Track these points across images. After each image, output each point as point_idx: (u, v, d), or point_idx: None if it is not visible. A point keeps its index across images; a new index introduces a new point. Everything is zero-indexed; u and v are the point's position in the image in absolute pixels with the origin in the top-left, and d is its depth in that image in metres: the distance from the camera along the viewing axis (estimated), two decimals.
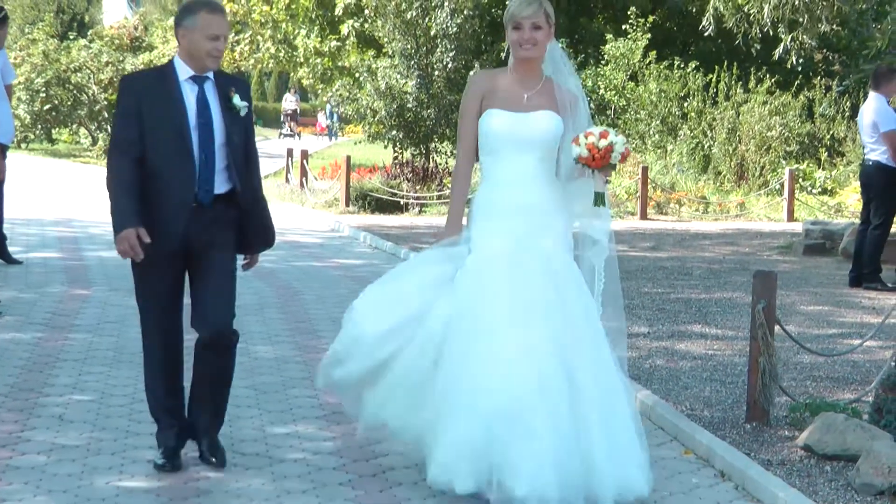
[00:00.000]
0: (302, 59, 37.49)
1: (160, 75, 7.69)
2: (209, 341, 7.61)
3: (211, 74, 7.61)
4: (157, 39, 55.43)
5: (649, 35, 34.26)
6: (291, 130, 59.31)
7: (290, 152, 34.19)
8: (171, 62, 7.64)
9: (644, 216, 26.94)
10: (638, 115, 34.07)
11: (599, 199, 7.48)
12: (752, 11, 23.51)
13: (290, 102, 62.27)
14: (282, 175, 34.61)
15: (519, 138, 7.55)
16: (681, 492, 7.63)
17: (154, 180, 7.46)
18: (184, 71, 7.54)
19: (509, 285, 7.34)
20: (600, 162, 7.26)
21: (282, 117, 62.34)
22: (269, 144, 54.34)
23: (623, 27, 32.17)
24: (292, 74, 46.33)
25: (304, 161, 31.51)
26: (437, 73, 28.81)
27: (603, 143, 7.23)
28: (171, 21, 67.21)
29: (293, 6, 36.62)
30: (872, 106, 15.56)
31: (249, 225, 7.79)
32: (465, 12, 28.50)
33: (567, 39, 32.11)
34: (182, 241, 7.52)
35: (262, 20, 39.76)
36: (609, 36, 32.84)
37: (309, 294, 15.06)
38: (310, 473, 7.76)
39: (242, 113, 7.62)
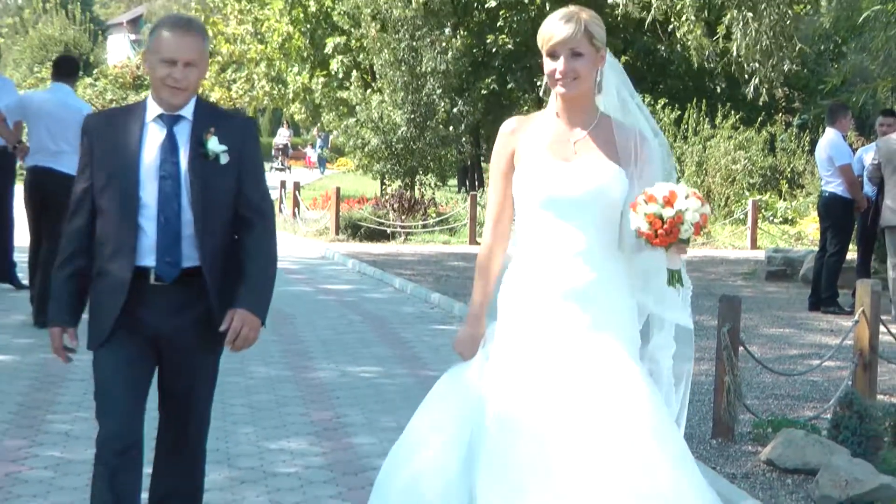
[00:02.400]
0: (293, 96, 37.53)
1: (126, 114, 5.71)
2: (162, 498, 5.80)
3: (189, 112, 5.52)
4: None
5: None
6: (283, 164, 59.30)
7: (283, 184, 34.39)
8: (145, 98, 5.64)
9: None
10: None
11: (675, 277, 5.12)
12: (726, 47, 23.64)
13: (282, 137, 62.23)
14: (276, 205, 34.66)
15: (563, 198, 5.17)
16: None
17: (100, 247, 5.53)
18: (152, 109, 5.52)
19: (542, 403, 5.06)
20: (665, 240, 4.88)
21: (273, 151, 62.38)
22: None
23: None
24: (285, 110, 46.36)
25: (297, 192, 31.59)
26: (425, 108, 28.89)
27: (668, 212, 4.87)
28: None
29: (286, 45, 36.69)
30: (828, 140, 15.72)
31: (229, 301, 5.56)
32: (453, 52, 28.65)
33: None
34: (144, 327, 5.52)
35: (258, 58, 39.80)
36: None
37: (301, 318, 15.05)
38: (301, 486, 7.76)
39: (223, 160, 5.45)
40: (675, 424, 5.23)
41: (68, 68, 14.25)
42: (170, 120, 5.50)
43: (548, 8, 32.40)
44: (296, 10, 35.73)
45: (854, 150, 16.99)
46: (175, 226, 5.44)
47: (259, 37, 39.65)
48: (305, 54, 36.03)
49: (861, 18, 18.51)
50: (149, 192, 5.43)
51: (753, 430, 9.02)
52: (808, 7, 28.73)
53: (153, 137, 5.48)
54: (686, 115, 33.75)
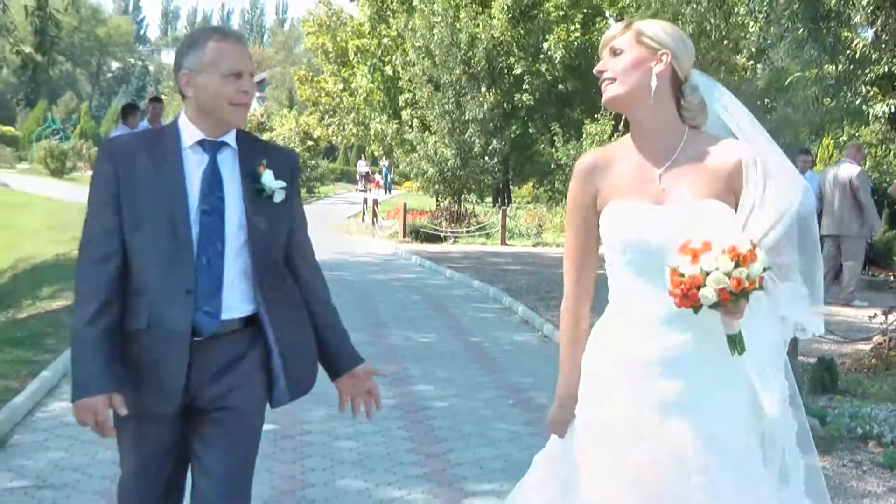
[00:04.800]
0: (373, 137, 37.52)
1: (154, 138, 3.58)
2: None
3: (232, 139, 3.53)
4: (275, 123, 55.53)
5: (613, 121, 34.11)
6: (364, 187, 59.44)
7: (365, 201, 34.67)
8: (174, 121, 3.56)
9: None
10: None
11: (732, 343, 3.06)
12: None
13: (362, 166, 62.44)
14: (359, 216, 34.78)
15: (659, 249, 3.10)
16: None
17: (139, 298, 3.44)
18: (190, 133, 3.49)
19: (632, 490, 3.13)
20: (682, 302, 2.98)
21: (357, 177, 62.54)
22: (350, 196, 54.54)
23: (595, 115, 32.10)
24: (366, 147, 46.37)
25: (375, 207, 31.75)
26: (467, 146, 28.96)
27: (689, 270, 2.95)
28: (285, 110, 67.61)
29: (369, 98, 36.72)
30: None
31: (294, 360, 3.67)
32: (488, 106, 28.73)
33: (556, 123, 32.11)
34: (180, 395, 3.47)
35: (348, 108, 39.87)
36: (587, 121, 32.83)
37: (378, 297, 15.03)
38: (377, 420, 7.74)
39: (277, 198, 3.51)
40: None
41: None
42: (212, 147, 3.51)
43: (559, 73, 32.36)
44: (376, 74, 35.79)
45: None
46: (217, 270, 3.44)
47: (348, 91, 39.69)
48: (383, 105, 36.03)
49: (787, 82, 18.42)
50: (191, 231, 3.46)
51: None
52: (748, 72, 28.63)
53: (193, 165, 3.48)
54: None
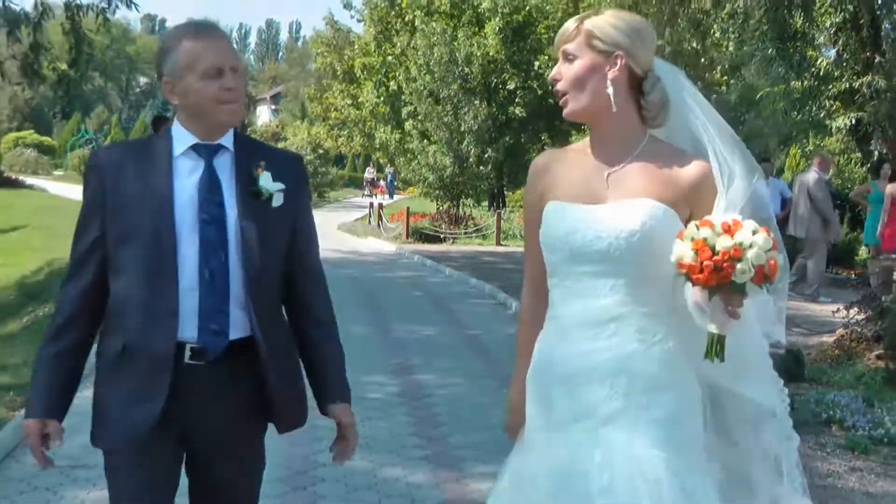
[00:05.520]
0: (378, 146, 37.51)
1: (144, 148, 2.98)
2: None
3: (229, 141, 2.96)
4: (289, 133, 55.42)
5: None
6: (370, 192, 59.51)
7: (371, 205, 34.74)
8: (167, 129, 2.98)
9: None
10: None
11: (713, 345, 2.57)
12: None
13: (369, 173, 62.44)
14: (366, 219, 34.79)
15: (585, 248, 2.70)
16: None
17: (117, 320, 2.91)
18: (182, 140, 2.92)
19: None
20: (711, 277, 2.49)
21: (364, 183, 62.54)
22: (358, 200, 54.54)
23: (582, 126, 32.13)
24: (372, 156, 46.36)
25: (380, 210, 31.75)
26: (464, 155, 28.99)
27: (724, 242, 2.49)
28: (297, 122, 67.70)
29: (375, 111, 36.69)
30: None
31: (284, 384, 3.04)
32: (482, 118, 28.77)
33: (546, 134, 32.08)
34: (170, 421, 2.86)
35: (355, 120, 39.86)
36: (574, 132, 32.76)
37: (383, 294, 15.01)
38: (383, 407, 7.77)
39: (276, 202, 2.92)
40: None
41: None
42: (207, 151, 2.93)
43: (549, 88, 32.39)
44: (381, 89, 35.80)
45: None
46: (223, 284, 2.86)
47: (355, 105, 39.67)
48: (388, 118, 36.03)
49: (757, 96, 18.44)
50: (186, 242, 2.86)
51: None
52: (722, 87, 28.64)
53: (186, 173, 2.90)
54: None
